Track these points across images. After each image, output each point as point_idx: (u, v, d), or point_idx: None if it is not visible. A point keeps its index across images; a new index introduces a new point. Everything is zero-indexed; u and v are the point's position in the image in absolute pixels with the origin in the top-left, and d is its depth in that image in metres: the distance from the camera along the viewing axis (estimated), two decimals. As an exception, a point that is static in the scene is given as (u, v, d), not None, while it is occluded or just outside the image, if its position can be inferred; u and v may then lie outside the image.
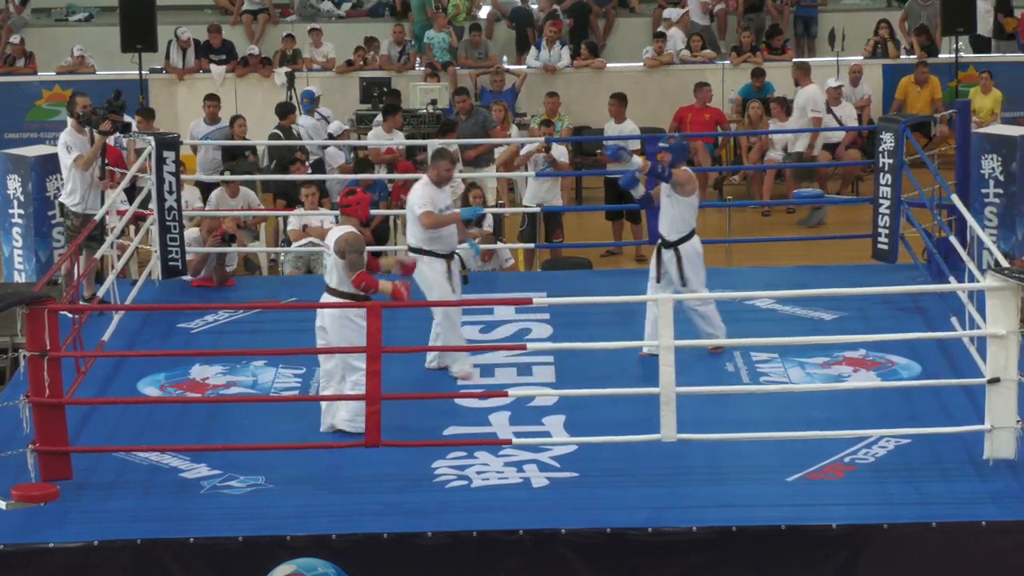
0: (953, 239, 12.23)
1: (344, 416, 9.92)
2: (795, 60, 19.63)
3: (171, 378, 11.10)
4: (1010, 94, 19.49)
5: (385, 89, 19.39)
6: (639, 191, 11.20)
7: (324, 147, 16.94)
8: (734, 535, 8.68)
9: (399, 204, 15.53)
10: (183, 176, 13.64)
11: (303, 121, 17.65)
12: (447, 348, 10.96)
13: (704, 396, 10.05)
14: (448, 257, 10.97)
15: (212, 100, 17.46)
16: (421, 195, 10.93)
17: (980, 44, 21.12)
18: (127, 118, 12.66)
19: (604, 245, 16.03)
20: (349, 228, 9.94)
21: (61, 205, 12.62)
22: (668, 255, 11.08)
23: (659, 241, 11.21)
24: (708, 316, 11.09)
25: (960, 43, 20.29)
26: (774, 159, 18.18)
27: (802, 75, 18.28)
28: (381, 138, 16.86)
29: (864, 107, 19.32)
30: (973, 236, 12.20)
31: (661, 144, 11.10)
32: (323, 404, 10.04)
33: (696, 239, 11.14)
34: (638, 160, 11.01)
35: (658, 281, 11.09)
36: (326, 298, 9.96)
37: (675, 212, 11.05)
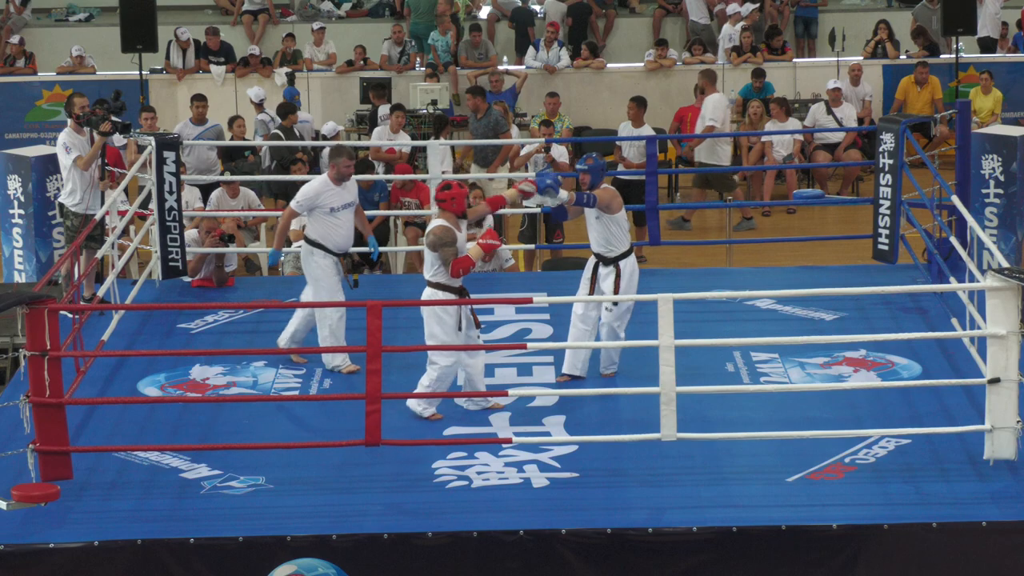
0: (953, 239, 12.23)
1: (415, 400, 10.14)
2: (702, 68, 18.96)
3: (171, 378, 11.10)
4: (1010, 94, 19.50)
5: (385, 89, 19.40)
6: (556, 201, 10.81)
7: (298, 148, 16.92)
8: (734, 535, 8.69)
9: (399, 205, 15.55)
10: (183, 177, 13.63)
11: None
12: (446, 348, 10.96)
13: (704, 396, 10.06)
14: (341, 255, 11.10)
15: (200, 100, 17.44)
16: (302, 190, 11.07)
17: (987, 46, 21.13)
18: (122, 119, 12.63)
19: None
20: (441, 222, 10.20)
21: (61, 205, 12.61)
22: (606, 271, 10.79)
23: (593, 259, 10.91)
24: (618, 338, 10.82)
25: (961, 43, 20.29)
26: (775, 159, 18.17)
27: (708, 83, 17.79)
28: (386, 137, 16.85)
29: (866, 107, 19.31)
30: (973, 236, 12.20)
31: (579, 166, 10.86)
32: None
33: (633, 257, 10.87)
34: (564, 194, 10.66)
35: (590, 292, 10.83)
36: (425, 290, 10.29)
37: (607, 231, 10.77)
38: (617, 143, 16.77)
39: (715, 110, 17.30)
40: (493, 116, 16.74)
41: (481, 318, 12.00)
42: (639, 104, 16.21)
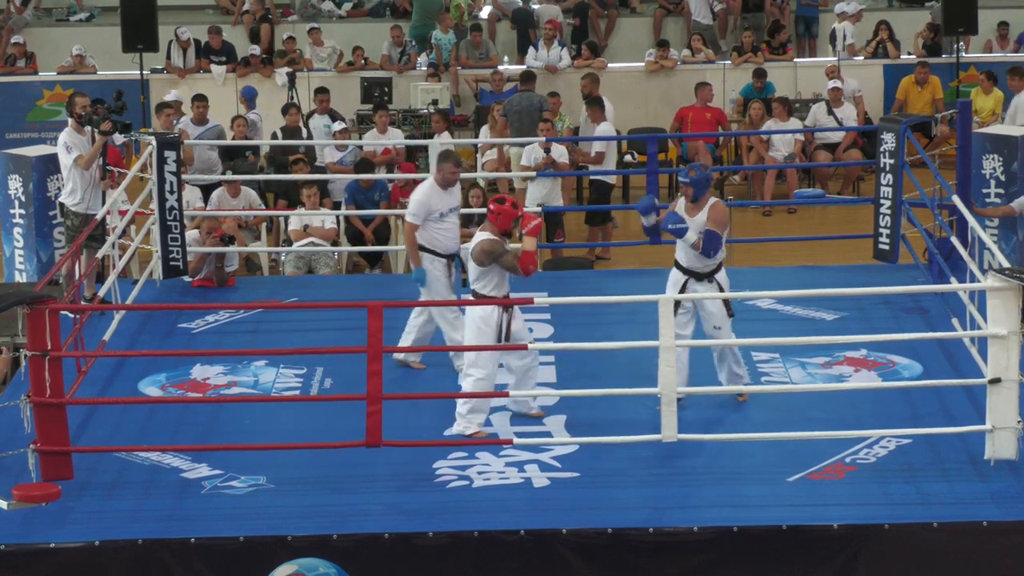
0: (954, 239, 12.23)
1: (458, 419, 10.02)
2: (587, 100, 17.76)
3: (172, 378, 11.10)
4: (1011, 95, 19.47)
5: (386, 89, 19.42)
6: (651, 220, 10.59)
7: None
8: (734, 535, 8.69)
9: (399, 204, 15.54)
10: (184, 176, 13.63)
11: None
12: (443, 348, 10.98)
13: (705, 396, 10.05)
14: (449, 257, 11.01)
15: (200, 100, 17.43)
16: (413, 199, 11.02)
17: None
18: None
19: (606, 245, 16.00)
20: (487, 235, 10.07)
21: (61, 205, 12.62)
22: (704, 287, 10.34)
23: (680, 275, 10.49)
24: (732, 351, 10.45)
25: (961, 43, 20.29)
26: (775, 159, 18.17)
27: (594, 87, 17.50)
28: (376, 139, 16.86)
29: (858, 104, 19.29)
30: (974, 236, 12.20)
31: (682, 179, 10.30)
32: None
33: (723, 267, 10.48)
34: (692, 236, 10.13)
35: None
36: (470, 298, 10.23)
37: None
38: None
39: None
40: (536, 98, 17.18)
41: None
42: (592, 104, 16.19)
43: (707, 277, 10.36)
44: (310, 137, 17.23)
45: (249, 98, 18.45)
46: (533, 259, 10.06)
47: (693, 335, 10.34)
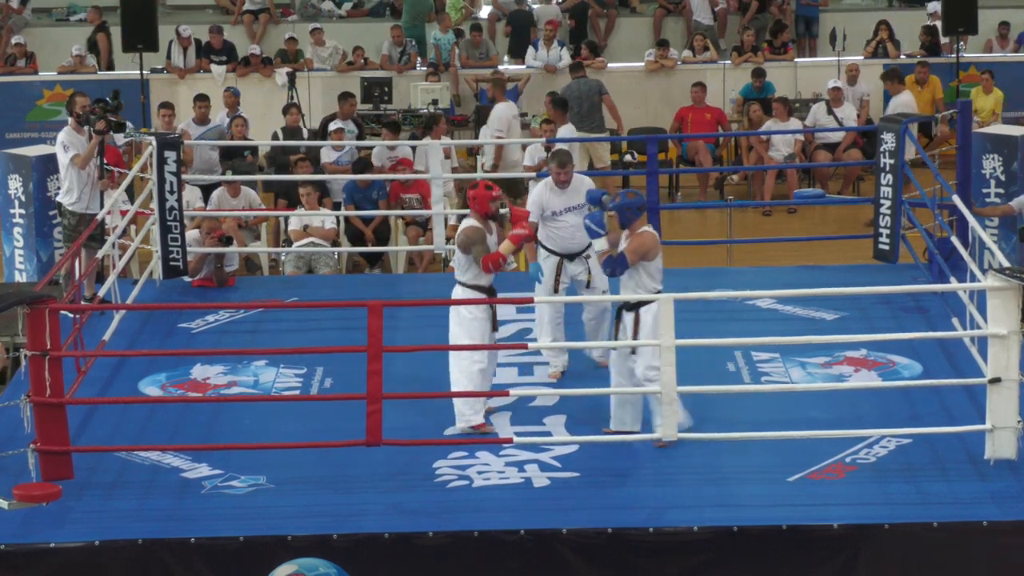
0: (954, 239, 12.22)
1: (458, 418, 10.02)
2: (492, 75, 18.38)
3: (172, 378, 11.10)
4: (1011, 94, 19.49)
5: (386, 89, 19.41)
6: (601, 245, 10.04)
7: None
8: (734, 535, 8.69)
9: (398, 204, 15.54)
10: (184, 176, 13.63)
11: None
12: (443, 347, 10.97)
13: (705, 396, 10.05)
14: (564, 256, 11.01)
15: (202, 100, 17.43)
16: (529, 197, 11.18)
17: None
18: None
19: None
20: (471, 222, 10.17)
21: (58, 204, 12.63)
22: (628, 318, 9.84)
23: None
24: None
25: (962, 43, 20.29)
26: (775, 159, 18.18)
27: (498, 92, 17.41)
28: (383, 151, 16.66)
29: (864, 107, 19.30)
30: (974, 236, 12.20)
31: (611, 205, 9.82)
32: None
33: (656, 304, 9.60)
34: (602, 243, 9.93)
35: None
36: (455, 289, 10.22)
37: (636, 279, 9.84)
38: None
39: (499, 120, 17.05)
40: (595, 84, 17.66)
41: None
42: (555, 104, 16.20)
43: (633, 309, 9.79)
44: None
45: (236, 97, 18.35)
46: (496, 261, 10.01)
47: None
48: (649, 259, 9.76)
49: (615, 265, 9.75)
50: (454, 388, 10.06)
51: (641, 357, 9.70)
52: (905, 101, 17.73)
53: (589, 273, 10.91)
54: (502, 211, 10.75)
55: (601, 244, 9.94)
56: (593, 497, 9.10)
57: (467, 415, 9.96)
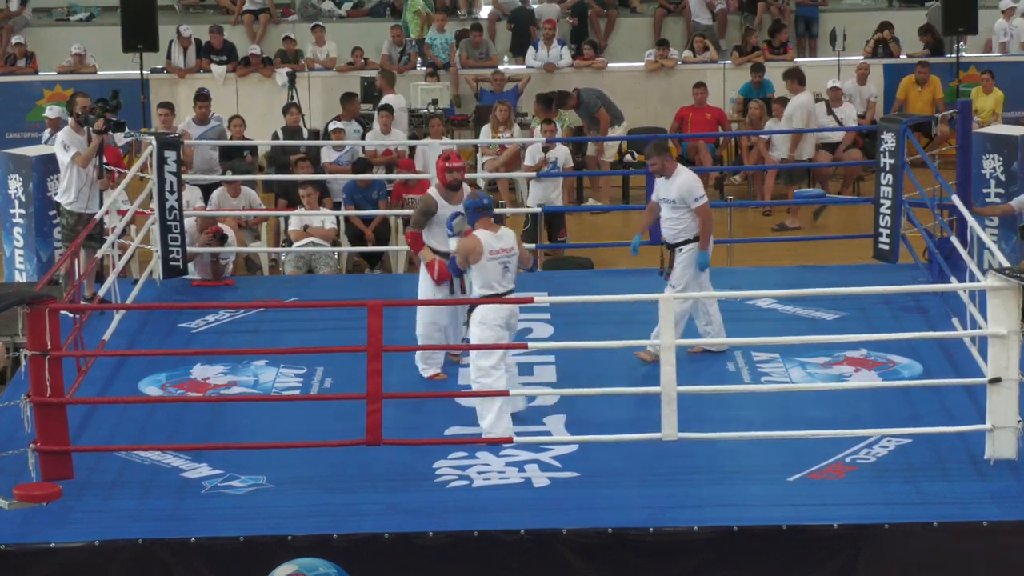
0: (954, 239, 12.23)
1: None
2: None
3: (172, 378, 11.10)
4: (1012, 94, 19.49)
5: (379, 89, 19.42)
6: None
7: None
8: (734, 535, 8.68)
9: (399, 204, 15.55)
10: (184, 176, 13.63)
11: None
12: (443, 347, 10.98)
13: (705, 396, 10.05)
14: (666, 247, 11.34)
15: (202, 100, 17.44)
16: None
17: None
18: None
19: (608, 245, 15.99)
20: (431, 190, 10.78)
21: (57, 204, 12.63)
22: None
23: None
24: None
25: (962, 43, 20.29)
26: (775, 159, 18.16)
27: (385, 84, 17.55)
28: (378, 139, 16.85)
29: (871, 108, 19.29)
30: (974, 236, 12.20)
31: (465, 202, 10.27)
32: None
33: (480, 311, 10.09)
34: (453, 243, 10.37)
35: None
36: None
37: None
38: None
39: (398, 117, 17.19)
40: (593, 95, 17.78)
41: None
42: (538, 100, 16.13)
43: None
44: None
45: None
46: (416, 243, 10.68)
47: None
48: (472, 261, 10.02)
49: (451, 265, 10.43)
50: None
51: (473, 360, 10.04)
52: (803, 102, 17.68)
53: (671, 267, 11.17)
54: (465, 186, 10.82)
55: (453, 244, 10.41)
56: (593, 497, 9.10)
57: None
